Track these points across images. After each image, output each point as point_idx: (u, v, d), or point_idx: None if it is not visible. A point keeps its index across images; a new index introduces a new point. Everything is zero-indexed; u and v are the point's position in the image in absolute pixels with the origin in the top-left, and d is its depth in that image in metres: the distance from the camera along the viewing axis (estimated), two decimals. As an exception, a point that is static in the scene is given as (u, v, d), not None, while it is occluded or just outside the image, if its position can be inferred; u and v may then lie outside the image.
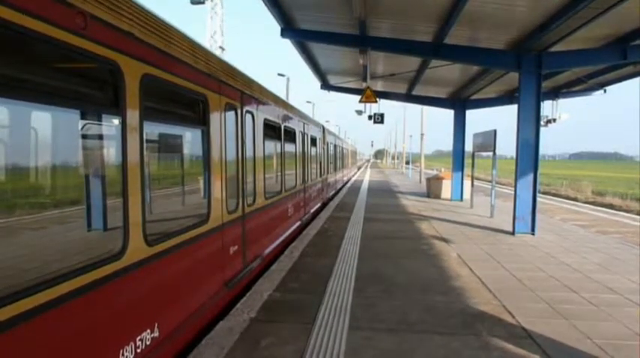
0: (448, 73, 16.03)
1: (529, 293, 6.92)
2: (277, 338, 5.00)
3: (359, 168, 74.53)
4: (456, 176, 21.32)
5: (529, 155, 11.89)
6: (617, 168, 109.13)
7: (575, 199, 29.12)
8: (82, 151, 3.69)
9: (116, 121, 3.71)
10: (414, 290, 6.88)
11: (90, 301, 3.20)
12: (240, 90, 6.85)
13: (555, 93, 18.79)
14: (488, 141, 15.91)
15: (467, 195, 20.12)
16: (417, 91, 21.73)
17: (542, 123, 13.07)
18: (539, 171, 12.21)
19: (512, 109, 19.69)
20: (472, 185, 19.04)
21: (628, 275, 8.06)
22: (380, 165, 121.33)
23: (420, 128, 35.70)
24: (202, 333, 5.18)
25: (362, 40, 12.78)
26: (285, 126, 10.30)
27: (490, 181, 18.44)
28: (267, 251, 8.38)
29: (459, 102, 21.31)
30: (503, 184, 36.63)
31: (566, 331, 5.41)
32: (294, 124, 11.60)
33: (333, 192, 23.06)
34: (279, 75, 39.11)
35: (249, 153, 7.26)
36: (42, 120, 3.27)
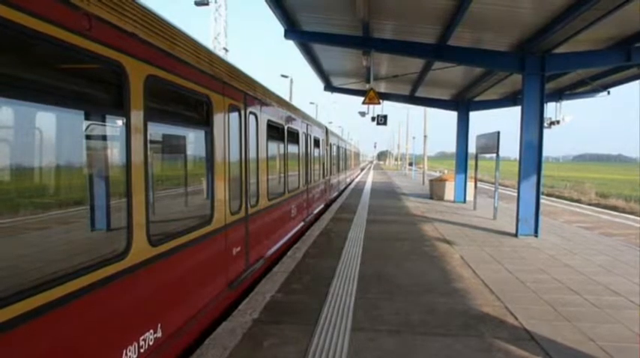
0: (451, 74, 16.01)
1: (532, 295, 6.90)
2: (280, 339, 5.01)
3: (362, 170, 74.45)
4: (459, 178, 21.27)
5: (532, 157, 11.87)
6: (621, 170, 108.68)
7: (578, 201, 29.04)
8: (86, 152, 3.71)
9: (120, 122, 3.73)
10: (416, 292, 6.88)
11: (94, 301, 3.21)
12: (244, 92, 6.86)
13: (559, 95, 18.73)
14: (491, 142, 15.88)
15: (470, 196, 20.07)
16: (421, 93, 21.70)
17: (545, 125, 13.04)
18: (543, 172, 12.19)
19: (515, 111, 19.68)
20: (475, 187, 19.00)
21: (631, 277, 8.02)
22: (383, 166, 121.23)
23: (423, 129, 35.69)
24: (205, 334, 5.20)
25: (365, 42, 12.79)
26: (288, 128, 10.31)
27: (493, 183, 18.39)
28: (270, 252, 8.39)
29: (463, 103, 21.28)
30: (507, 186, 36.56)
31: (569, 333, 5.39)
32: (298, 125, 11.61)
33: (336, 193, 23.05)
34: (283, 76, 39.12)
35: (252, 154, 7.27)
36: (46, 120, 3.29)
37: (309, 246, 10.24)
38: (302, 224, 12.18)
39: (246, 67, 7.92)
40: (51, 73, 3.17)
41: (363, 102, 15.23)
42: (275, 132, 9.12)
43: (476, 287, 7.20)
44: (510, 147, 19.27)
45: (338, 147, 24.34)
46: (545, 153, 12.01)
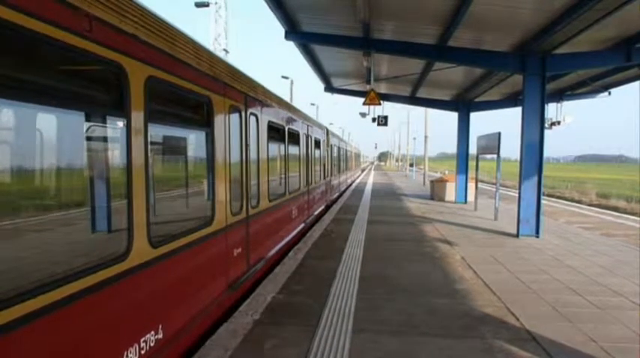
0: (452, 75, 16.02)
1: (533, 295, 6.89)
2: (281, 341, 5.00)
3: (363, 171, 74.41)
4: (460, 178, 21.26)
5: (533, 157, 11.86)
6: (622, 171, 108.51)
7: (579, 202, 29.01)
8: (86, 153, 3.71)
9: (121, 123, 3.73)
10: (417, 293, 6.87)
11: (95, 302, 3.21)
12: (245, 93, 6.87)
13: (559, 96, 18.75)
14: (492, 143, 15.88)
15: (471, 197, 20.06)
16: (421, 94, 21.72)
17: (546, 125, 13.04)
18: (544, 173, 12.18)
19: (516, 112, 19.66)
20: (476, 187, 18.99)
21: (632, 278, 8.00)
22: (384, 167, 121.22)
23: (424, 130, 35.67)
24: (206, 335, 5.19)
25: (366, 43, 12.80)
26: (289, 129, 10.31)
27: (494, 184, 18.36)
28: (271, 253, 8.39)
29: (463, 104, 21.29)
30: (507, 186, 36.53)
31: (571, 334, 5.38)
32: (298, 126, 11.62)
33: (337, 194, 23.05)
34: (283, 77, 39.11)
35: (253, 155, 7.27)
36: (47, 122, 3.29)
37: (310, 247, 10.24)
38: (303, 225, 12.17)
39: (246, 68, 7.90)
40: (51, 74, 3.17)
41: (364, 103, 15.24)
42: (276, 133, 9.12)
43: (477, 288, 7.19)
44: (511, 148, 19.24)
45: (339, 148, 24.35)
46: (545, 153, 12.01)
